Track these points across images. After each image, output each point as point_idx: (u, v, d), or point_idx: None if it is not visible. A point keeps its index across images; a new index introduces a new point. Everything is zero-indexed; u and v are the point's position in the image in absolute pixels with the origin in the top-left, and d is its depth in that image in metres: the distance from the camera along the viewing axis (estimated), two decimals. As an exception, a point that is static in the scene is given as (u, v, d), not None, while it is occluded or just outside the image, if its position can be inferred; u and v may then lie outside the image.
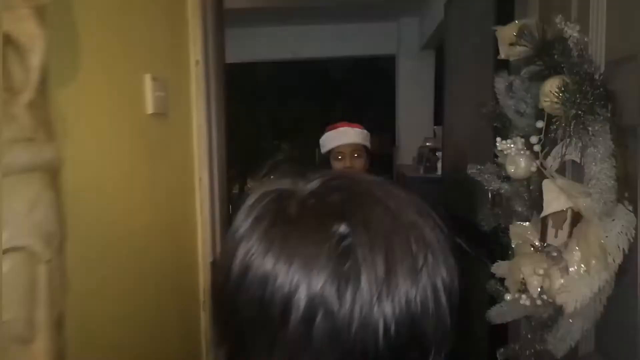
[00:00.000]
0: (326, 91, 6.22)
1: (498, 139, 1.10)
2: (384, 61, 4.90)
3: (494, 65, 1.51)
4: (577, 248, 0.77)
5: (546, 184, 0.84)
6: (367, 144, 1.96)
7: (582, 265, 0.76)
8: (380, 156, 3.95)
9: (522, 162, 1.08)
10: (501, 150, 1.10)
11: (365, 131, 1.98)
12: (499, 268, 1.18)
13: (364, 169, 1.92)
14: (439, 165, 3.16)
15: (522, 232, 1.10)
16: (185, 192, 1.49)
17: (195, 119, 1.51)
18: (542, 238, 1.04)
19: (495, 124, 1.22)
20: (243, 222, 0.45)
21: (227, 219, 1.69)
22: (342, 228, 0.41)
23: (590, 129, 0.74)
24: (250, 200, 0.47)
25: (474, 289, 1.67)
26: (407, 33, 4.49)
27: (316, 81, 6.13)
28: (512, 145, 1.09)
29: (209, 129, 1.55)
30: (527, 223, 1.10)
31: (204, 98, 1.51)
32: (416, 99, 4.47)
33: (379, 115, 5.19)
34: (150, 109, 1.21)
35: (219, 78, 1.61)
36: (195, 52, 1.49)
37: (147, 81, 1.19)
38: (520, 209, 1.16)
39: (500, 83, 1.08)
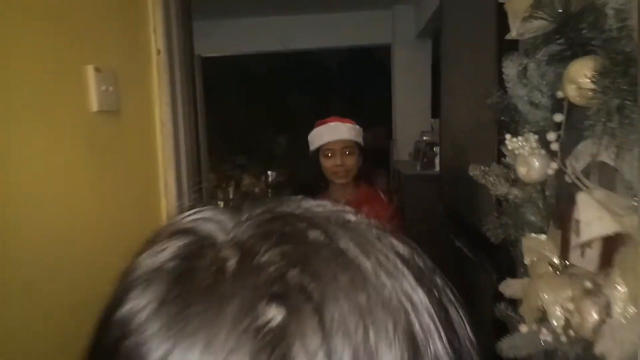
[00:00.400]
0: (321, 83, 6.05)
1: (508, 136, 0.92)
2: (379, 52, 4.71)
3: (496, 49, 1.34)
4: (622, 282, 0.59)
5: (583, 199, 0.66)
6: (360, 140, 1.82)
7: (631, 306, 0.58)
8: (375, 152, 3.75)
9: (537, 163, 0.90)
10: (511, 150, 0.92)
11: (357, 126, 1.83)
12: (509, 288, 1.00)
13: (356, 167, 1.77)
14: (437, 161, 2.97)
15: (537, 247, 0.92)
16: (148, 200, 1.30)
17: (158, 115, 1.32)
18: (564, 256, 0.85)
19: (502, 118, 1.03)
20: (147, 254, 0.28)
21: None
22: (278, 316, 0.23)
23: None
24: (164, 232, 0.29)
25: (476, 307, 1.49)
26: (402, 21, 4.30)
27: (312, 73, 5.96)
28: (524, 144, 0.90)
29: (174, 127, 1.36)
30: (544, 236, 0.92)
31: (168, 92, 1.32)
32: (413, 90, 4.29)
33: (376, 108, 5.01)
34: (95, 106, 1.02)
35: (185, 69, 1.42)
36: (156, 40, 1.30)
37: (89, 73, 1.00)
38: (533, 219, 0.98)
39: (511, 68, 0.89)
